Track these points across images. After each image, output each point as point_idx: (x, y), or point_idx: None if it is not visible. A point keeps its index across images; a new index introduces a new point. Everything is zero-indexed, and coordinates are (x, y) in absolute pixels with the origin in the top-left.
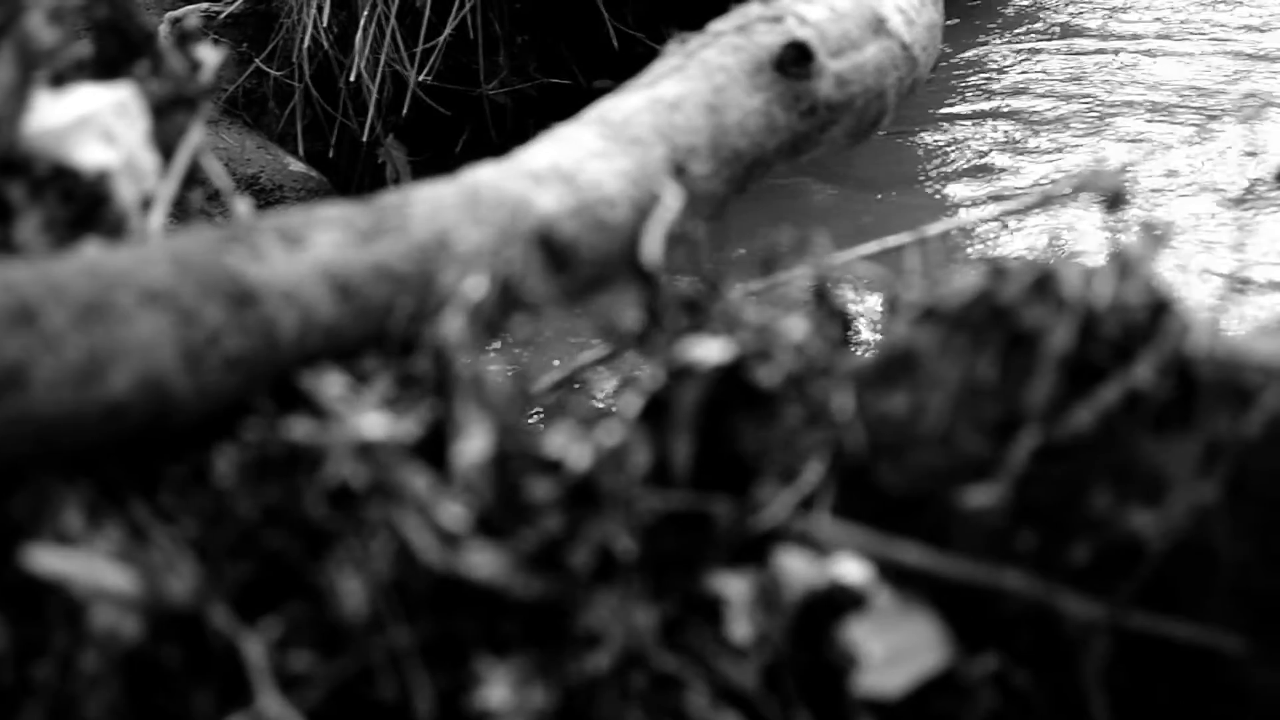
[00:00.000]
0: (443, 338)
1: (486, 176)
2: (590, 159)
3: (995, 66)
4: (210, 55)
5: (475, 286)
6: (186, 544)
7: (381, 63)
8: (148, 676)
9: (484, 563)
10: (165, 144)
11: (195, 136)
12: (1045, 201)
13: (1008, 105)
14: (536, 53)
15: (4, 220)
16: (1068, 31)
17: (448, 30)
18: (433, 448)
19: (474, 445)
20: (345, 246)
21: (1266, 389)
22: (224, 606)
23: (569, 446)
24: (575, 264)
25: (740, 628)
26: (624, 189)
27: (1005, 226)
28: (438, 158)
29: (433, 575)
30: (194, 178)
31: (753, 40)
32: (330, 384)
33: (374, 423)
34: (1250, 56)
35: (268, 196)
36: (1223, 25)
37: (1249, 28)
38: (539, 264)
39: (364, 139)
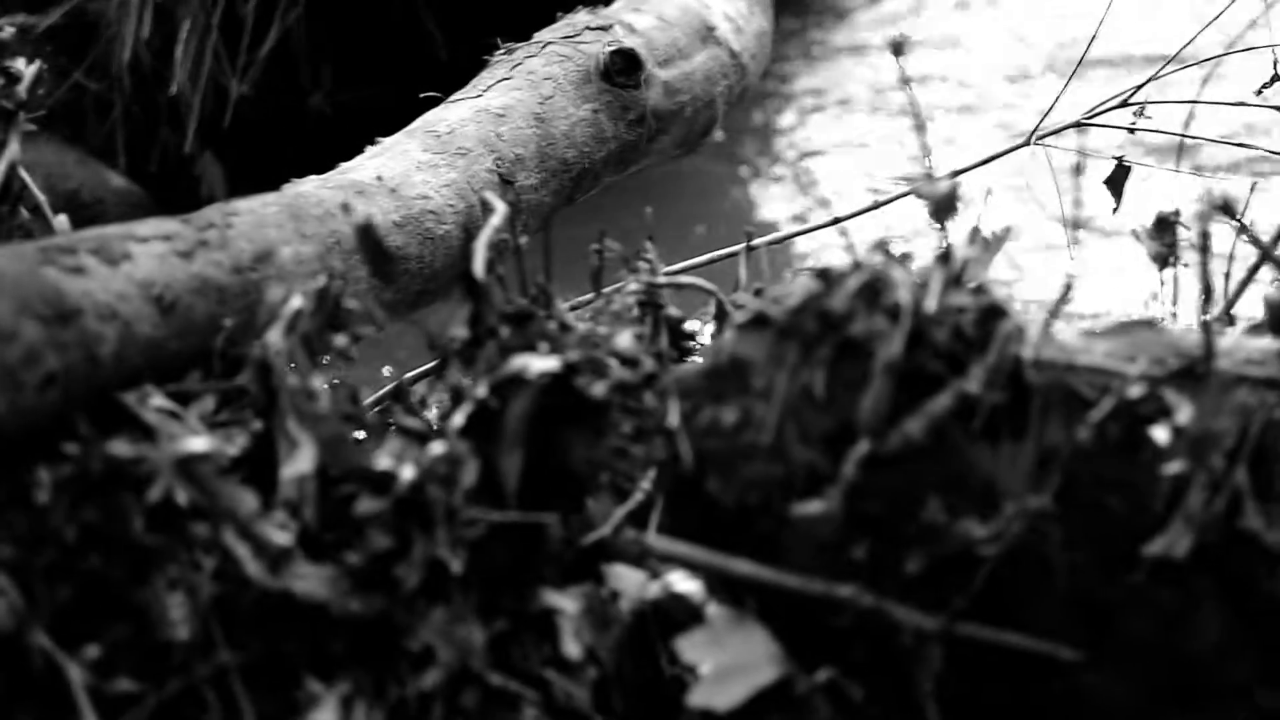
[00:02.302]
0: (267, 353)
1: (310, 189)
2: (416, 171)
3: (825, 72)
4: (26, 69)
5: (299, 301)
6: (4, 567)
7: (204, 75)
8: None
9: (310, 581)
10: None
11: (12, 151)
12: (876, 208)
13: (840, 112)
14: (362, 63)
15: None
16: (900, 34)
17: (270, 41)
18: (258, 465)
19: (299, 462)
20: (167, 261)
21: (1096, 395)
22: (42, 630)
23: (396, 462)
24: (402, 276)
25: (572, 644)
26: (451, 201)
27: (836, 234)
28: (264, 170)
29: (259, 595)
30: (11, 192)
31: (580, 50)
32: (153, 402)
33: (197, 441)
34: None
35: (88, 211)
36: (1051, 35)
37: (1077, 41)
38: (365, 277)
39: (186, 152)
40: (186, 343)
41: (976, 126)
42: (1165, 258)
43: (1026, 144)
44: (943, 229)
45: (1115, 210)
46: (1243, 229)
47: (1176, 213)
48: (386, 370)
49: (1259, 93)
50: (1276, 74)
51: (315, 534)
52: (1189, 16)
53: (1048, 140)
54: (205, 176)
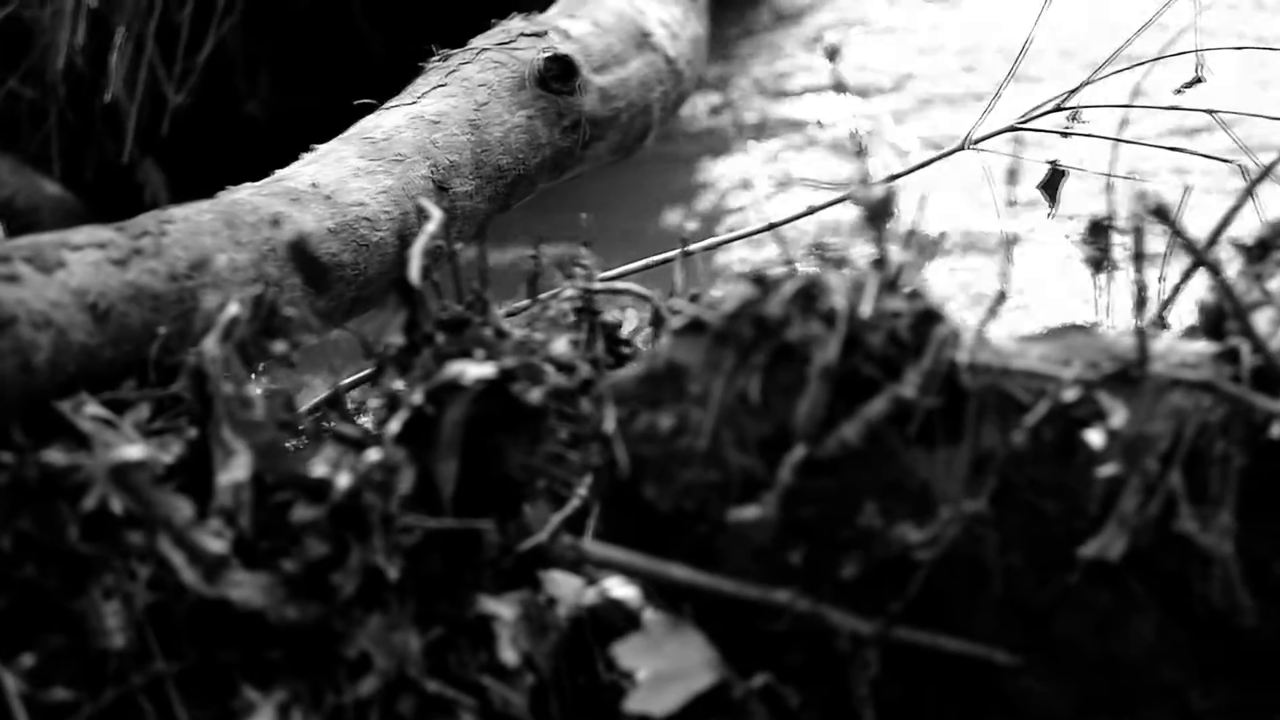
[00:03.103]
0: (202, 361)
1: (245, 196)
2: (352, 177)
3: (762, 77)
4: None
5: (235, 309)
6: None
7: (140, 82)
8: None
9: (247, 589)
10: None
11: None
12: (811, 213)
13: (777, 116)
14: (298, 70)
15: None
16: (830, 40)
17: (206, 49)
18: (194, 473)
19: (234, 470)
20: (102, 269)
21: (1032, 398)
22: None
23: (332, 469)
24: (337, 284)
25: (509, 650)
26: (386, 208)
27: (772, 240)
28: (200, 178)
29: (195, 603)
30: None
31: (515, 56)
32: (87, 410)
33: (132, 449)
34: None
35: (23, 220)
36: (978, 43)
37: (1001, 50)
38: (300, 285)
39: (123, 160)
40: (121, 350)
41: (924, 128)
42: (1099, 262)
43: (961, 148)
44: (878, 234)
45: (1051, 215)
46: (1176, 233)
47: (1111, 217)
48: (322, 377)
49: (1179, 92)
50: (1199, 76)
51: (251, 542)
52: (1139, 21)
53: (983, 145)
54: (147, 184)
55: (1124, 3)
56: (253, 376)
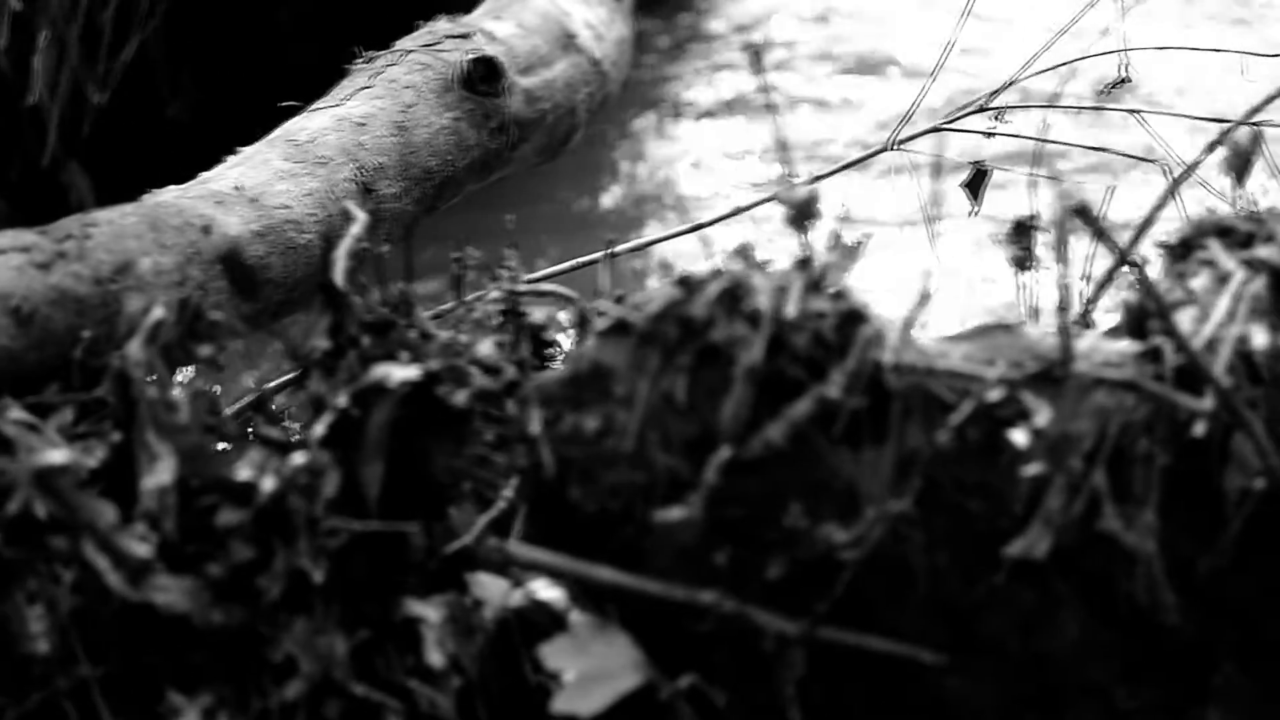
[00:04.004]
0: (126, 365)
1: (170, 199)
2: (277, 180)
3: (687, 79)
4: None
5: (158, 312)
6: None
7: (63, 85)
8: None
9: (172, 593)
10: None
11: None
12: (737, 214)
13: (701, 119)
14: (222, 73)
15: None
16: (757, 41)
17: (129, 51)
18: (118, 477)
19: (158, 474)
20: (25, 273)
21: (956, 398)
22: None
23: (257, 472)
24: (262, 286)
25: (435, 652)
26: (312, 210)
27: (697, 241)
28: (125, 181)
29: (120, 607)
30: None
31: (441, 58)
32: (10, 414)
33: (55, 453)
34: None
35: None
36: (897, 50)
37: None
38: (225, 287)
39: (45, 163)
40: (45, 354)
41: (851, 127)
42: (1023, 261)
43: (886, 149)
44: (803, 234)
45: (974, 213)
46: (1099, 232)
47: (1034, 216)
48: (248, 380)
49: (1103, 93)
50: (1124, 77)
51: (176, 545)
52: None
53: (908, 146)
54: (72, 187)
55: (1054, 3)
56: (177, 380)
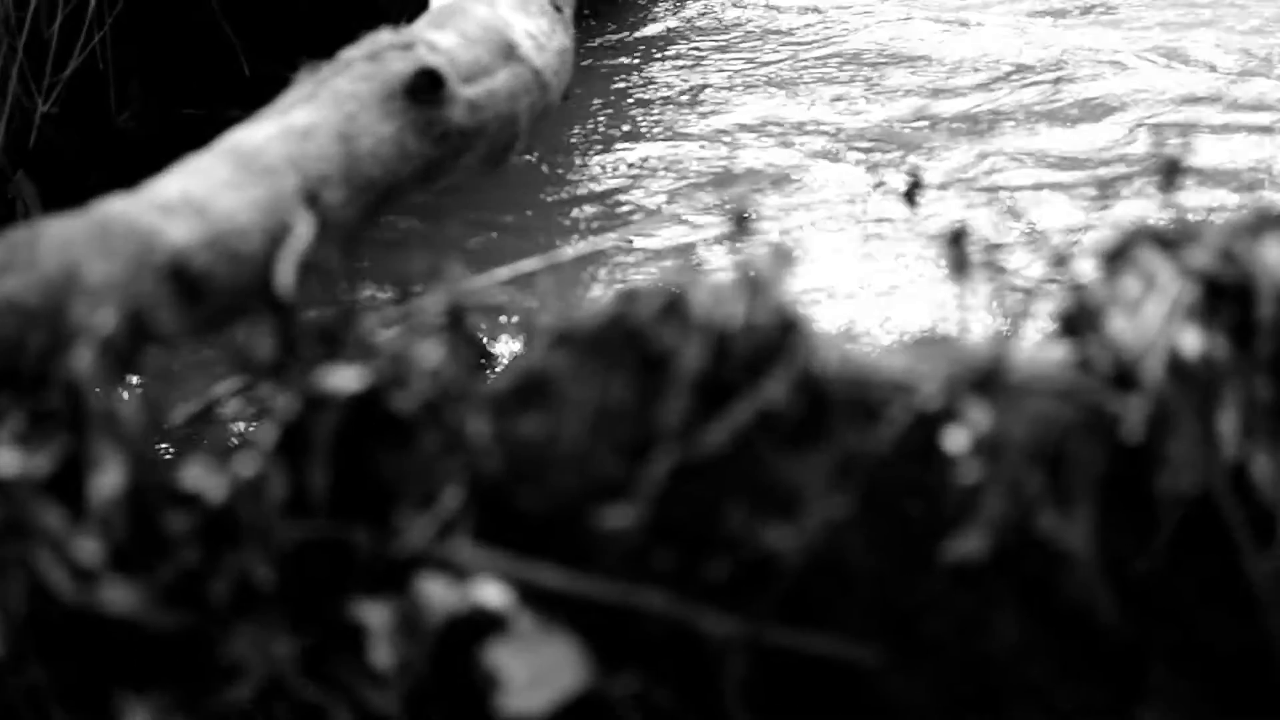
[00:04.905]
0: (74, 372)
1: (117, 209)
2: (222, 189)
3: (626, 90)
4: None
5: (106, 320)
6: None
7: (9, 96)
8: None
9: (121, 597)
10: None
11: None
12: (676, 222)
13: (640, 130)
14: (168, 82)
15: None
16: (695, 57)
17: (76, 61)
18: (68, 483)
19: (108, 480)
20: None
21: (893, 404)
22: None
23: (205, 478)
24: (208, 295)
25: (382, 654)
26: (257, 219)
27: (639, 249)
28: (71, 191)
29: (71, 612)
30: None
31: (384, 68)
32: None
33: (5, 459)
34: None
35: None
36: (837, 57)
37: (870, 62)
38: (171, 296)
39: None
40: None
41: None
42: (960, 269)
43: (824, 158)
44: (743, 242)
45: (910, 221)
46: (1035, 239)
47: (969, 224)
48: (197, 388)
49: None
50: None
51: (126, 551)
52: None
53: (845, 157)
54: (21, 197)
55: (982, 15)
56: (126, 388)
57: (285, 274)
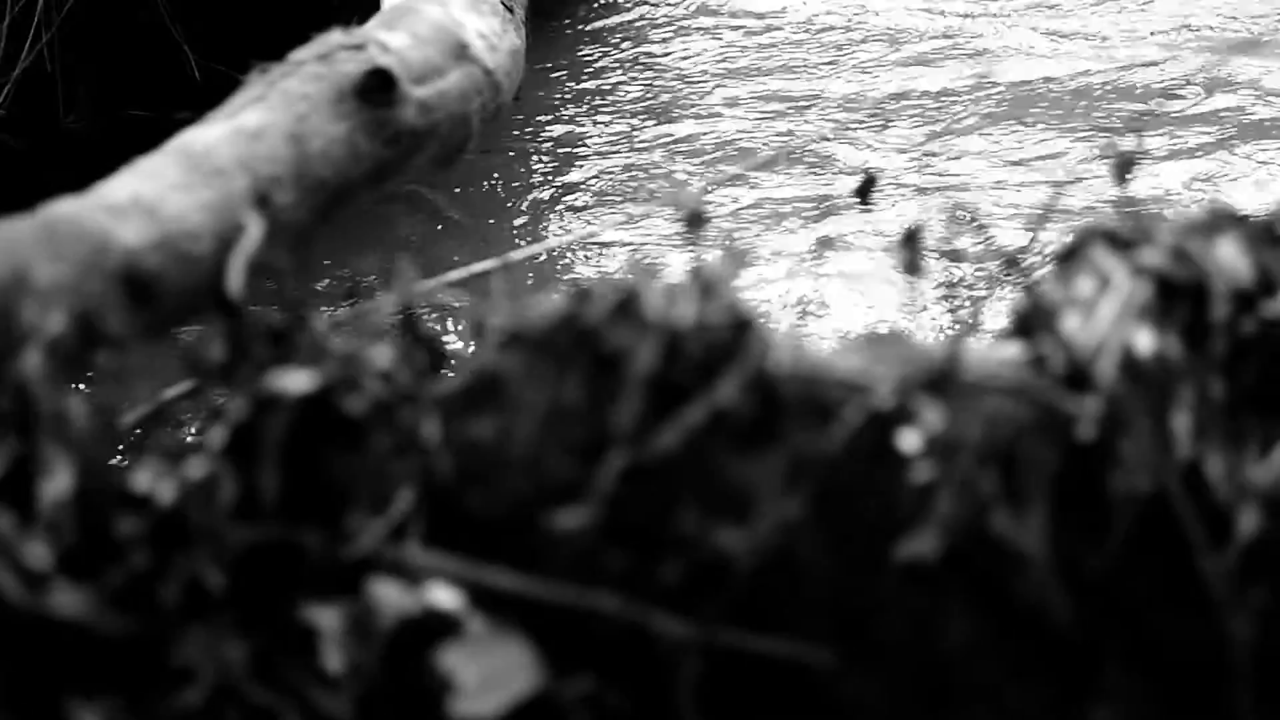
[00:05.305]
0: (23, 374)
1: (66, 211)
2: (172, 191)
3: (578, 90)
4: None
5: (55, 322)
6: None
7: None
8: None
9: (69, 601)
10: None
11: None
12: (628, 221)
13: (591, 128)
14: (117, 84)
15: None
16: (647, 59)
17: (24, 62)
18: (16, 486)
19: (57, 483)
20: None
21: (846, 404)
22: None
23: (155, 481)
24: (159, 297)
25: (333, 658)
26: (207, 221)
27: (590, 249)
28: (18, 194)
29: (20, 616)
30: None
31: (335, 69)
32: None
33: None
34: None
35: None
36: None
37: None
38: (121, 298)
39: None
40: None
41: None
42: (913, 269)
43: (778, 157)
44: (695, 241)
45: (863, 218)
46: (988, 239)
47: (923, 224)
48: (147, 390)
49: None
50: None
51: (75, 554)
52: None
53: (798, 153)
54: None
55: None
56: (76, 391)
57: (236, 276)
